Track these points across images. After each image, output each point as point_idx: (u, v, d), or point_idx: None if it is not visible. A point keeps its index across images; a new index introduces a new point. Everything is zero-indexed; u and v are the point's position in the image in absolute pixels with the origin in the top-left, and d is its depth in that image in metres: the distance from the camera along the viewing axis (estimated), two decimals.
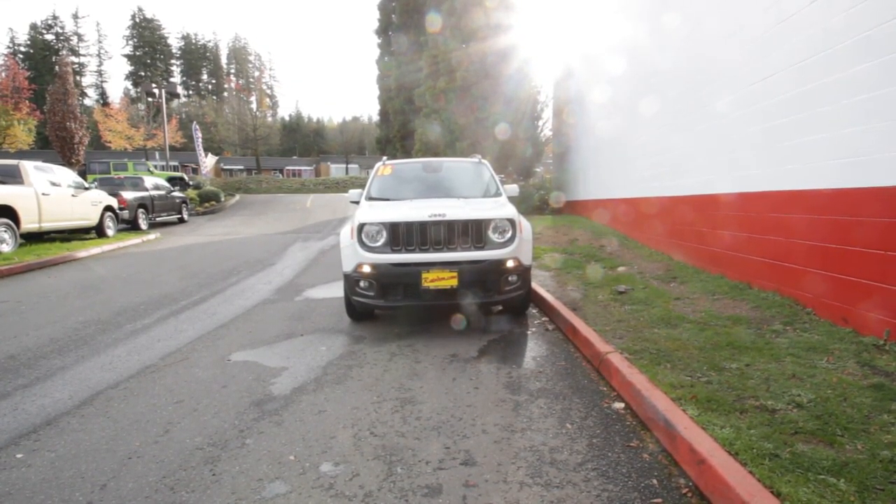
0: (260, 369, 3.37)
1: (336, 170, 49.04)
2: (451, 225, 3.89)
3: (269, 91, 49.60)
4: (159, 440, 2.40)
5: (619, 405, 2.62)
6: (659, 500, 1.82)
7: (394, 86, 18.39)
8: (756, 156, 4.50)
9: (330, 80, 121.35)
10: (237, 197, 23.88)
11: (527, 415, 2.56)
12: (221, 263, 8.35)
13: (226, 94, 47.43)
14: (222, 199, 20.56)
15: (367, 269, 3.90)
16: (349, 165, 50.39)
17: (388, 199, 4.88)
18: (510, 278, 3.98)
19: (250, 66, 50.04)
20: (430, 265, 3.81)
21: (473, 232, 3.91)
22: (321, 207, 21.41)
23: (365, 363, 3.43)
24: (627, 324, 3.94)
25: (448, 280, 3.79)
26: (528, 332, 4.11)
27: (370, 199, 4.98)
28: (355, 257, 3.97)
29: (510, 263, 3.93)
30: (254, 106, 43.90)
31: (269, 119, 48.28)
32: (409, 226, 3.88)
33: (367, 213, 4.17)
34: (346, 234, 4.18)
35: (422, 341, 3.90)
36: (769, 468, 1.83)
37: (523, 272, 4.06)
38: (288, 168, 49.31)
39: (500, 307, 4.72)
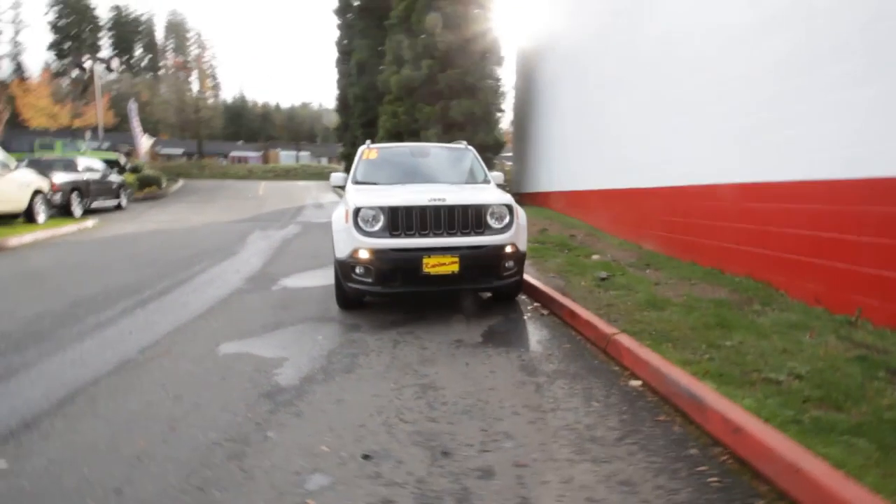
0: (257, 361, 3.17)
1: (286, 157, 47.01)
2: (451, 210, 3.83)
3: (210, 71, 46.50)
4: (168, 438, 2.20)
5: (635, 383, 2.71)
6: (704, 467, 1.90)
7: (354, 70, 17.85)
8: (729, 150, 4.79)
9: (278, 63, 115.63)
10: (181, 182, 22.33)
11: (551, 395, 2.58)
12: (177, 252, 7.78)
13: (162, 71, 43.85)
14: (164, 184, 19.13)
15: (364, 254, 3.77)
16: (300, 153, 48.49)
17: (376, 184, 4.74)
18: (507, 264, 4.00)
19: (190, 43, 46.58)
20: (430, 250, 3.74)
21: (473, 217, 3.88)
22: (275, 196, 20.47)
23: (369, 351, 3.32)
24: (617, 308, 4.07)
25: (449, 265, 3.74)
26: (525, 318, 4.15)
27: (357, 182, 4.81)
28: (351, 242, 3.82)
29: (508, 249, 3.95)
30: (195, 86, 41.09)
31: (211, 101, 45.37)
32: (409, 210, 3.79)
33: (361, 196, 4.02)
34: (340, 219, 4.01)
35: (421, 328, 3.84)
36: (796, 432, 1.96)
37: (520, 258, 4.09)
38: (233, 154, 46.61)
39: (489, 293, 4.74)
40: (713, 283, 4.66)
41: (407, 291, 3.89)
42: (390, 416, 2.37)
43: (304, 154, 49.46)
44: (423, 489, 1.80)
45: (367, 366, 3.05)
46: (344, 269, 3.92)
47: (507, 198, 4.09)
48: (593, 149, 8.63)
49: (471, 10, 14.06)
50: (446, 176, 4.98)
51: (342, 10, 20.39)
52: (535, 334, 3.68)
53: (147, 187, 17.58)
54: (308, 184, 30.04)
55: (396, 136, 14.74)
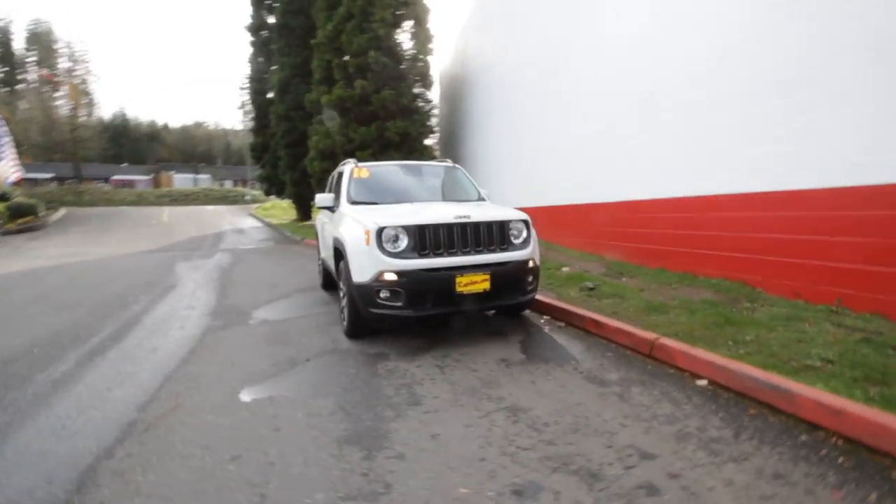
0: (300, 404, 2.78)
1: (181, 180, 42.77)
2: (476, 227, 3.76)
3: (84, 87, 40.86)
4: None
5: (702, 382, 2.85)
6: (825, 450, 2.04)
7: (276, 89, 16.97)
8: (697, 165, 5.35)
9: (163, 79, 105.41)
10: (63, 211, 19.18)
11: (639, 403, 2.61)
12: (99, 290, 6.65)
13: (23, 85, 37.47)
14: (41, 213, 16.28)
15: (391, 276, 3.53)
16: (199, 176, 44.44)
17: (375, 203, 4.51)
18: (529, 278, 4.02)
19: (59, 56, 40.27)
20: (463, 269, 3.62)
21: (497, 233, 3.85)
22: (184, 222, 18.48)
23: (421, 379, 3.09)
24: (623, 315, 4.27)
25: (481, 283, 3.65)
26: (545, 331, 4.17)
27: (354, 203, 4.53)
28: (375, 265, 3.56)
29: (530, 264, 3.98)
30: (65, 103, 35.88)
31: (85, 119, 39.84)
32: (437, 228, 3.65)
33: (377, 216, 3.79)
34: (357, 240, 3.73)
35: (453, 350, 3.66)
36: (881, 408, 2.20)
37: (537, 272, 4.14)
38: (116, 178, 41.17)
39: (493, 310, 4.70)
40: (692, 286, 5.11)
41: (439, 313, 3.70)
42: (504, 445, 2.21)
43: (204, 177, 45.57)
44: None
45: (430, 395, 2.83)
46: (366, 293, 3.62)
47: (523, 213, 4.13)
48: (546, 168, 9.07)
49: (402, 34, 14.26)
50: (444, 194, 4.90)
51: (256, 28, 19.39)
52: (571, 346, 3.71)
53: (20, 217, 14.80)
54: (218, 208, 27.68)
55: (330, 157, 14.25)
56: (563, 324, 4.36)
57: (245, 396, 2.92)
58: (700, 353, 3.00)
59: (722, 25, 4.89)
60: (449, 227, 3.68)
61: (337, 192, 4.94)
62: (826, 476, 1.87)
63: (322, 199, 4.83)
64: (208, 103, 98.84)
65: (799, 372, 2.76)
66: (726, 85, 4.82)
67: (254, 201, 37.01)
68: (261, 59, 19.18)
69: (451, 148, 15.63)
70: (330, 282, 6.35)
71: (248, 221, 20.05)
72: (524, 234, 4.04)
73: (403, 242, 3.62)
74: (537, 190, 9.15)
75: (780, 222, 4.29)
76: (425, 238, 3.63)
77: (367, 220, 3.75)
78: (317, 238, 6.78)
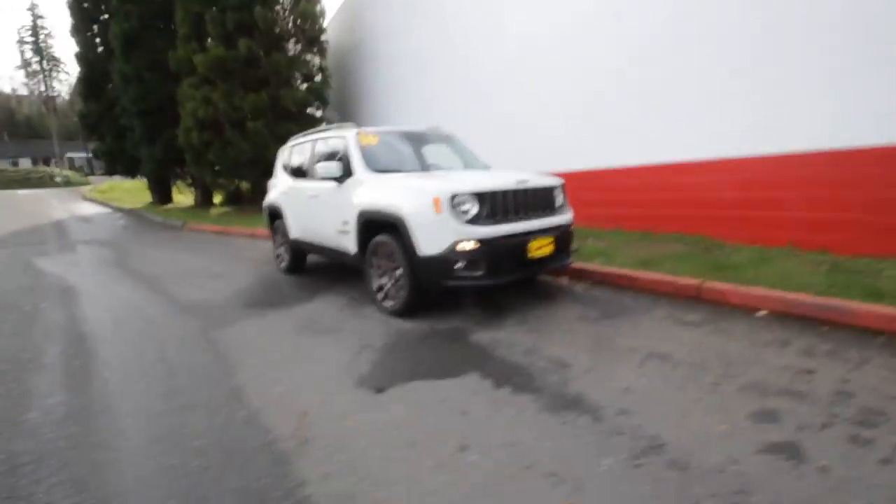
0: (449, 386, 2.54)
1: None
2: (535, 192, 3.78)
3: None
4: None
5: (762, 313, 3.39)
6: None
7: (118, 43, 13.74)
8: (651, 136, 6.09)
9: None
10: None
11: (742, 335, 2.99)
12: None
13: None
14: None
15: (469, 245, 3.36)
16: None
17: (398, 171, 4.15)
18: (572, 241, 4.19)
19: None
20: (534, 234, 3.61)
21: (550, 198, 3.92)
22: None
23: (536, 345, 3.03)
24: (630, 269, 4.76)
25: (546, 247, 3.71)
26: (580, 291, 4.40)
27: (377, 171, 4.09)
28: (451, 234, 3.34)
29: (572, 227, 4.15)
30: None
31: None
32: (505, 194, 3.56)
33: (434, 183, 3.52)
34: (423, 210, 3.42)
35: (525, 315, 3.64)
36: None
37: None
38: None
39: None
40: (662, 241, 5.84)
41: (513, 280, 3.62)
42: (696, 386, 2.37)
43: None
44: (831, 430, 1.99)
45: (567, 356, 2.82)
46: (441, 265, 3.38)
47: (559, 179, 4.25)
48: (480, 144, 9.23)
49: None
50: (461, 161, 4.75)
51: None
52: (621, 302, 3.92)
53: None
54: (33, 193, 21.56)
55: (213, 127, 12.27)
56: (588, 282, 4.66)
57: (373, 390, 2.53)
58: (752, 289, 3.56)
59: (690, 9, 5.58)
60: (514, 193, 3.62)
61: (336, 160, 4.37)
62: None
63: (326, 168, 4.23)
64: None
65: (815, 295, 3.49)
66: (688, 63, 5.57)
67: (68, 183, 29.91)
68: (86, 5, 15.27)
69: (344, 120, 14.75)
70: (299, 265, 5.65)
71: (87, 207, 16.13)
72: (561, 197, 4.18)
73: (474, 209, 3.45)
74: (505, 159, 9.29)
75: (735, 183, 5.21)
76: (496, 204, 3.51)
77: (431, 186, 3.46)
78: (273, 217, 5.90)
